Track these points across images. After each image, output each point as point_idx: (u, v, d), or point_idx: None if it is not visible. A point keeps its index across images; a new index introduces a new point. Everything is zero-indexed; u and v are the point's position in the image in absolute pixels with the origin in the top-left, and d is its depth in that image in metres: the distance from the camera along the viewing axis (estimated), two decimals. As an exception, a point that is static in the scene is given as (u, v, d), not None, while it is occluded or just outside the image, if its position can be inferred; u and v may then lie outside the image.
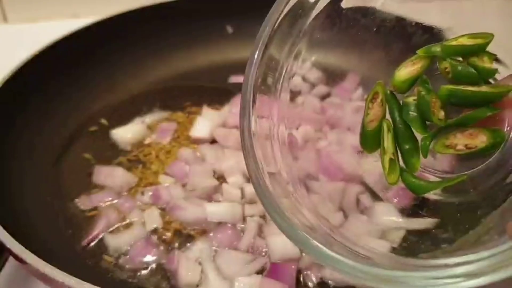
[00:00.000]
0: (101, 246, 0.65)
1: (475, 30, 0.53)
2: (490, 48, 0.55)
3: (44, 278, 0.52)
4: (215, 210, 0.66)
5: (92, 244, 0.65)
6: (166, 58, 0.98)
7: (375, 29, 1.00)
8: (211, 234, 0.65)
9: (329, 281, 0.60)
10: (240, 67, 0.98)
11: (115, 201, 0.70)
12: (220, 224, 0.66)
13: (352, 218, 0.65)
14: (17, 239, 0.54)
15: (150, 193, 0.71)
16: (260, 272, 0.60)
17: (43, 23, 1.26)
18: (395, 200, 0.69)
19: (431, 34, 0.87)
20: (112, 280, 0.61)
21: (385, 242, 0.61)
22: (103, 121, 0.86)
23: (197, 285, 0.59)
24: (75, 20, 1.24)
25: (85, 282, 0.49)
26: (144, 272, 0.62)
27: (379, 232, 0.63)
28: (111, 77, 0.92)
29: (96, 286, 0.49)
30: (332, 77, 0.95)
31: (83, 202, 0.70)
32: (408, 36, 0.90)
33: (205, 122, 0.81)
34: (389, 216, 0.66)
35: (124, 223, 0.67)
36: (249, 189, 0.68)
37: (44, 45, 0.83)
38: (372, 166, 0.73)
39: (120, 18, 0.93)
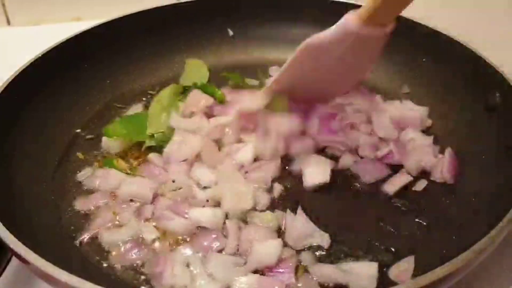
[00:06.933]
0: (97, 245, 0.65)
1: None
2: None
3: (46, 277, 0.52)
4: (198, 215, 0.67)
5: (90, 243, 0.65)
6: (167, 60, 0.99)
7: None
8: (199, 238, 0.65)
9: (326, 281, 0.60)
10: (240, 69, 0.99)
11: (110, 202, 0.71)
12: (206, 228, 0.66)
13: None
14: (20, 240, 0.54)
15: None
16: (255, 272, 0.60)
17: (45, 26, 1.27)
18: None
19: (436, 37, 0.87)
20: (111, 279, 0.61)
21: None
22: (104, 121, 0.86)
23: (185, 287, 0.60)
24: (77, 23, 1.26)
25: (86, 281, 0.50)
26: (134, 271, 0.62)
27: None
28: (113, 79, 0.93)
29: (95, 285, 0.50)
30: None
31: (80, 204, 0.71)
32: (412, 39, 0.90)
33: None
34: None
35: (117, 223, 0.68)
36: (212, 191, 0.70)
37: (46, 47, 0.84)
38: None
39: (121, 21, 0.94)
